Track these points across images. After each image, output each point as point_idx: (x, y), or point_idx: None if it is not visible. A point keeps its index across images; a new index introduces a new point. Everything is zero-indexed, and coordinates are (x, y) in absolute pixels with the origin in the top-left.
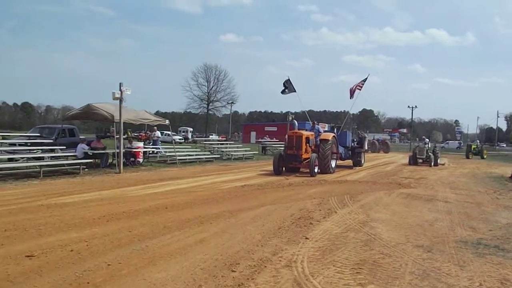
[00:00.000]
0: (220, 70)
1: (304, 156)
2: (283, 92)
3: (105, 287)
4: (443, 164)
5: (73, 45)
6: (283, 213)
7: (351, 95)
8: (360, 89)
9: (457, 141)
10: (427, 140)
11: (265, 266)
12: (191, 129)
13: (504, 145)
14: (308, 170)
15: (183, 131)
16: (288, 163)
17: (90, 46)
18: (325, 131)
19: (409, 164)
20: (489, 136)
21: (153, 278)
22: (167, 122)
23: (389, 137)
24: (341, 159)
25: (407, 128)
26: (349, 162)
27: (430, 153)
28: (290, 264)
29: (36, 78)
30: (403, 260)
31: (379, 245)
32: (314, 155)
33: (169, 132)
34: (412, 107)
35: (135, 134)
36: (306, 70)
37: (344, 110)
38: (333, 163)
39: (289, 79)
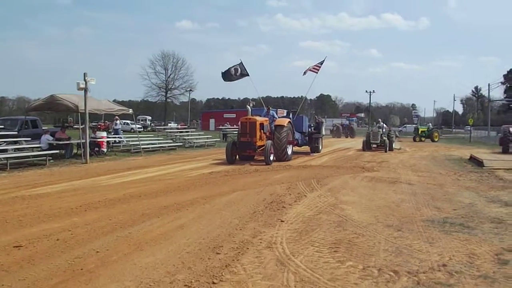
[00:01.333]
0: (178, 57)
1: (259, 143)
2: (231, 77)
3: (99, 273)
4: (398, 149)
5: (26, 33)
6: (255, 198)
7: (304, 73)
8: (316, 72)
9: (414, 125)
10: (382, 123)
11: (247, 248)
12: (150, 118)
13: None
14: (263, 158)
15: (142, 120)
16: (241, 151)
17: (44, 34)
18: (281, 117)
19: (363, 149)
20: (446, 119)
21: (143, 262)
22: (130, 111)
23: (348, 122)
24: (298, 145)
25: (364, 112)
26: (306, 148)
27: (384, 138)
28: (270, 246)
29: None
30: (376, 239)
31: (352, 225)
32: (269, 142)
33: (128, 121)
34: (370, 92)
35: (93, 123)
36: (263, 56)
37: (301, 96)
38: (289, 150)
39: (241, 63)
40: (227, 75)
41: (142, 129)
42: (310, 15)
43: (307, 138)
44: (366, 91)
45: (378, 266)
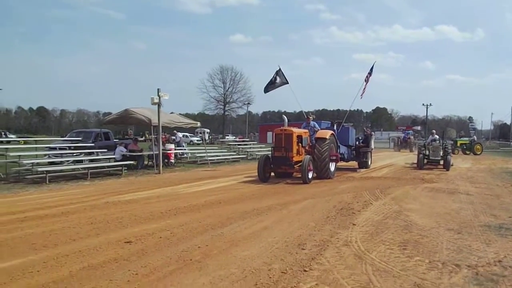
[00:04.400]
0: (236, 71)
1: (296, 158)
2: (270, 87)
3: (206, 262)
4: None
5: (83, 48)
6: (325, 205)
7: (362, 95)
8: (366, 81)
9: (471, 138)
10: (436, 136)
11: (328, 245)
12: (208, 130)
13: None
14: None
15: (200, 132)
16: (276, 168)
17: (100, 49)
18: (323, 128)
19: (418, 167)
20: (504, 131)
21: (241, 255)
22: (198, 124)
23: (406, 135)
24: (344, 160)
25: (421, 125)
26: (353, 163)
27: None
28: (347, 244)
29: (47, 82)
30: (439, 240)
31: (416, 229)
32: (308, 157)
33: (187, 134)
34: (427, 105)
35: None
36: (317, 68)
37: (358, 109)
38: (332, 166)
39: (280, 69)
40: (267, 86)
41: (201, 141)
42: (363, 28)
43: (354, 152)
44: (423, 104)
45: (442, 260)
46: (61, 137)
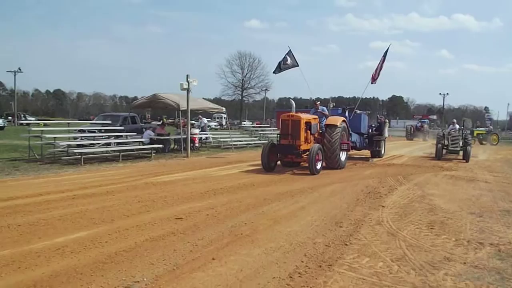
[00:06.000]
0: (254, 57)
1: (304, 147)
2: (279, 69)
3: (256, 236)
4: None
5: (98, 32)
6: (354, 189)
7: (374, 80)
8: (381, 65)
9: (487, 128)
10: (457, 125)
11: (362, 224)
12: (225, 116)
13: None
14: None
15: (218, 118)
16: (282, 156)
17: (118, 33)
18: (334, 115)
19: (436, 157)
20: None
21: (285, 231)
22: (224, 110)
23: (420, 124)
24: (356, 148)
25: (437, 114)
26: (364, 152)
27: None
28: (379, 223)
29: (64, 65)
30: (462, 222)
31: (441, 211)
32: (316, 145)
33: (205, 119)
34: (444, 94)
35: (170, 120)
36: (332, 56)
37: (374, 97)
38: (342, 156)
39: (290, 51)
40: (277, 68)
41: (219, 126)
42: (380, 16)
43: (366, 140)
44: (440, 93)
45: (466, 239)
46: (79, 120)
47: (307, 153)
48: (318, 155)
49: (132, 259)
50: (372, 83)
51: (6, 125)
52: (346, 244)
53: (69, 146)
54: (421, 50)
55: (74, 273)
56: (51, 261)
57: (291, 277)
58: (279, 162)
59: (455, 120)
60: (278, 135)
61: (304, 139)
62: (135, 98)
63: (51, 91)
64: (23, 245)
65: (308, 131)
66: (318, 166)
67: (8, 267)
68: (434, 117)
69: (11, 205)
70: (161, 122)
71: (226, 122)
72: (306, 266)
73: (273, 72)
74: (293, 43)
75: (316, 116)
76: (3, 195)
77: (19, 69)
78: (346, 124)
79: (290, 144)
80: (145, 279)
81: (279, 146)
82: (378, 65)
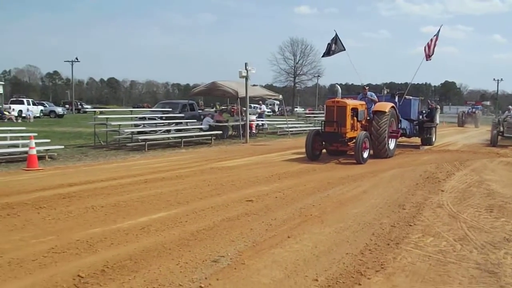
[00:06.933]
0: (306, 44)
1: (350, 134)
2: (328, 54)
3: (324, 217)
4: None
5: (151, 20)
6: (412, 174)
7: (428, 57)
8: (434, 43)
9: None
10: None
11: (423, 207)
12: (278, 102)
13: None
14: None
15: (270, 104)
16: (327, 145)
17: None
18: (383, 101)
19: (492, 144)
20: None
21: (352, 212)
22: (280, 97)
23: (472, 110)
24: (406, 136)
25: (490, 100)
26: (415, 139)
27: None
28: (440, 206)
29: (117, 53)
30: None
31: (499, 196)
32: (363, 133)
33: (258, 106)
34: (498, 80)
35: (223, 107)
36: (383, 41)
37: (426, 82)
38: (391, 144)
39: (336, 35)
40: (325, 52)
41: (271, 113)
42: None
43: (417, 127)
44: (494, 79)
45: None
46: (133, 107)
47: (354, 141)
48: (365, 143)
49: (213, 236)
50: (427, 60)
51: (66, 113)
52: (410, 225)
53: (132, 133)
54: (474, 34)
55: (163, 248)
56: (139, 238)
57: (362, 253)
58: (324, 151)
59: (510, 107)
60: (323, 122)
61: (351, 126)
62: (187, 85)
63: (105, 79)
64: (111, 224)
65: (355, 118)
66: (365, 154)
67: (102, 243)
68: (488, 103)
69: (90, 188)
70: (217, 109)
71: (279, 108)
72: (375, 244)
73: (322, 56)
74: (343, 29)
75: (364, 102)
76: (81, 179)
77: (76, 58)
78: (396, 110)
79: (335, 132)
80: (229, 254)
81: (323, 134)
82: (431, 42)
